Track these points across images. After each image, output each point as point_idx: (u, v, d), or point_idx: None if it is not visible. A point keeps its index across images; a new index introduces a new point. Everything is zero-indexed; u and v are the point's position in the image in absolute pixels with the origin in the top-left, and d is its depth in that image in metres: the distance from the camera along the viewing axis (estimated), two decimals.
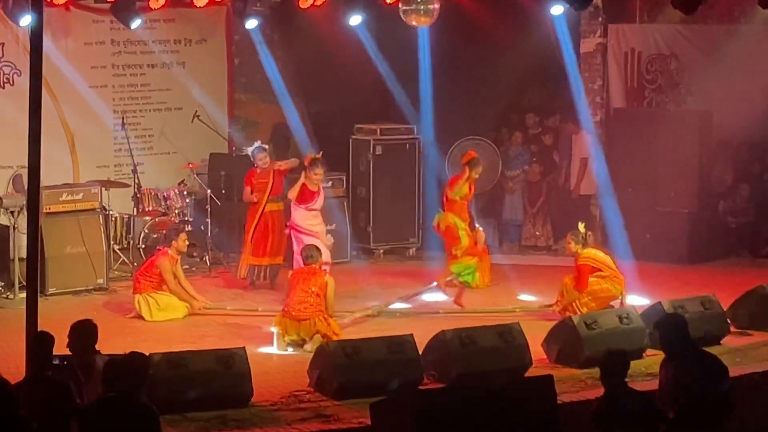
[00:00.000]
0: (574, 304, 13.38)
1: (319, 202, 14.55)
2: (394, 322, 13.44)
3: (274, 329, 12.58)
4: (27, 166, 10.14)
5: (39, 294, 10.29)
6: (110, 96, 16.89)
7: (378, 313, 13.88)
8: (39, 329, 9.34)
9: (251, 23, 16.27)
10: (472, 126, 17.40)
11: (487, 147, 17.25)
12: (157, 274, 13.68)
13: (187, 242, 14.16)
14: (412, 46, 16.94)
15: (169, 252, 13.82)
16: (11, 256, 14.37)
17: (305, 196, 14.44)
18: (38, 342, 8.58)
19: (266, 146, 15.67)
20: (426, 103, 17.34)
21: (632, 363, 11.70)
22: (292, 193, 14.47)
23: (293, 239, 14.44)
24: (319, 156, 14.64)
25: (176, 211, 16.04)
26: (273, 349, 12.45)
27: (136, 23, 15.25)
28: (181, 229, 14.48)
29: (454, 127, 17.30)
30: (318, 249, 13.18)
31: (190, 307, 13.74)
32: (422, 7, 15.67)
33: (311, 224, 14.39)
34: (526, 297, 14.74)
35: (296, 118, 17.51)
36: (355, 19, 16.24)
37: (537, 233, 17.75)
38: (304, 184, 14.45)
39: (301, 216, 14.42)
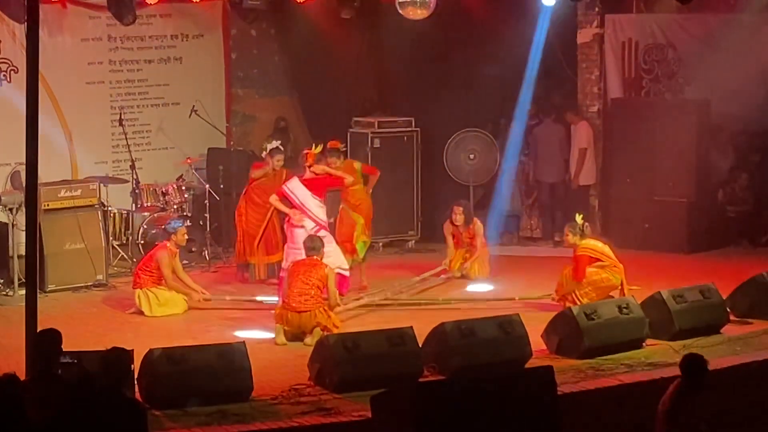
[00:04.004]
0: (574, 295, 13.38)
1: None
2: (394, 314, 13.44)
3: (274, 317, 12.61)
4: (25, 162, 10.14)
5: (38, 291, 10.30)
6: (107, 92, 16.89)
7: (376, 303, 13.90)
8: (40, 326, 9.34)
9: None
10: (470, 117, 17.40)
11: (485, 138, 17.26)
12: (157, 268, 13.66)
13: (186, 236, 14.14)
14: (411, 38, 16.91)
15: (168, 245, 13.81)
16: (10, 254, 14.36)
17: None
18: (45, 339, 8.55)
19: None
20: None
21: (632, 353, 11.86)
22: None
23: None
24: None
25: (175, 206, 16.05)
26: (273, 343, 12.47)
27: (128, 20, 15.23)
28: (180, 223, 14.38)
29: (452, 119, 17.30)
30: (321, 240, 13.18)
31: (189, 299, 13.72)
32: None
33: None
34: (525, 289, 14.71)
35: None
36: (348, 13, 16.20)
37: (533, 224, 17.79)
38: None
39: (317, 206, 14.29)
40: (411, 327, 11.32)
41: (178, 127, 17.34)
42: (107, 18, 16.22)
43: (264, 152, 15.76)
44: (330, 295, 12.72)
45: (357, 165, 14.94)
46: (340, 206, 14.80)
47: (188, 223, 15.48)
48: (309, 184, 14.11)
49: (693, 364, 8.76)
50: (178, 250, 13.98)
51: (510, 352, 11.38)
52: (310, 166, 14.20)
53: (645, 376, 11.15)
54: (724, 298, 12.94)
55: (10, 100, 14.90)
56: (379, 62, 17.99)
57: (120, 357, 8.08)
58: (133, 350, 9.65)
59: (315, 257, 12.85)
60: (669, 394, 8.64)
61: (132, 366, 8.18)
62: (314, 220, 13.93)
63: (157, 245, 14.12)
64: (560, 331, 11.91)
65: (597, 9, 17.61)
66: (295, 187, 14.10)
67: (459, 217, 15.36)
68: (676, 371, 11.17)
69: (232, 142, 17.70)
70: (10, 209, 14.45)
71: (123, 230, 15.94)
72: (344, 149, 15.28)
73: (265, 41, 18.11)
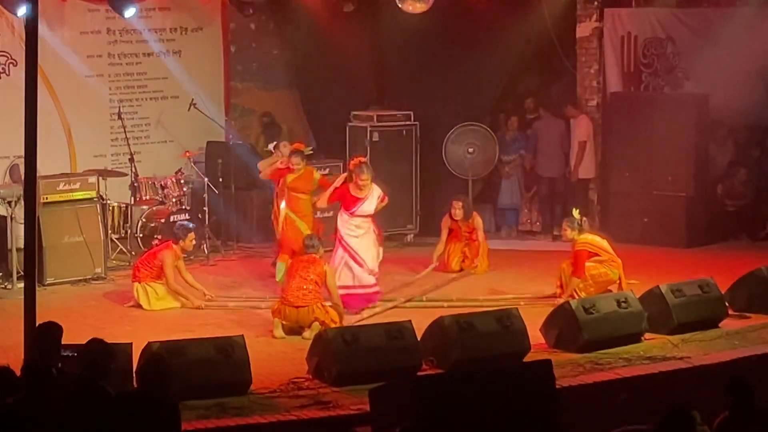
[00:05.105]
0: (574, 290, 13.38)
1: (362, 209, 13.45)
2: (393, 309, 13.42)
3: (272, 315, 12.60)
4: (24, 155, 10.13)
5: (37, 284, 10.29)
6: (106, 85, 16.88)
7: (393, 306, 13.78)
8: (39, 319, 9.33)
9: None
10: (468, 111, 17.39)
11: (484, 132, 17.25)
12: (158, 266, 13.61)
13: (194, 242, 14.05)
14: (408, 31, 16.89)
15: (174, 248, 13.74)
16: (9, 247, 14.35)
17: (348, 202, 13.51)
18: (45, 333, 8.53)
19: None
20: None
21: (631, 347, 11.86)
22: (321, 202, 13.98)
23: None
24: (364, 160, 13.85)
25: (173, 200, 16.04)
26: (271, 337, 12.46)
27: (129, 12, 15.35)
28: (190, 228, 14.14)
29: (451, 113, 17.29)
30: (319, 238, 13.14)
31: (188, 303, 13.59)
32: None
33: (349, 231, 13.46)
34: (524, 283, 14.70)
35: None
36: (349, 7, 16.26)
37: (533, 218, 17.79)
38: (347, 189, 13.55)
39: (343, 221, 13.57)
40: (410, 321, 11.33)
41: (176, 121, 17.33)
42: (106, 11, 16.23)
43: (274, 149, 15.46)
44: (331, 293, 12.69)
45: (316, 175, 14.62)
46: (285, 211, 14.34)
47: (186, 216, 15.48)
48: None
49: (737, 385, 8.23)
50: (183, 255, 13.94)
51: (508, 346, 11.38)
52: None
53: (643, 370, 11.16)
54: (723, 292, 12.94)
55: (9, 93, 14.90)
56: (378, 56, 17.97)
57: (99, 349, 8.07)
58: (131, 343, 9.69)
59: (314, 255, 12.85)
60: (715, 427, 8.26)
61: (113, 358, 8.18)
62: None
63: (161, 242, 14.08)
64: (559, 325, 11.92)
65: (596, 3, 17.61)
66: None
67: (458, 212, 15.36)
68: (674, 365, 11.26)
69: (231, 136, 17.69)
70: (9, 202, 14.44)
71: (122, 223, 15.92)
72: (310, 152, 14.94)
73: (264, 35, 18.09)
